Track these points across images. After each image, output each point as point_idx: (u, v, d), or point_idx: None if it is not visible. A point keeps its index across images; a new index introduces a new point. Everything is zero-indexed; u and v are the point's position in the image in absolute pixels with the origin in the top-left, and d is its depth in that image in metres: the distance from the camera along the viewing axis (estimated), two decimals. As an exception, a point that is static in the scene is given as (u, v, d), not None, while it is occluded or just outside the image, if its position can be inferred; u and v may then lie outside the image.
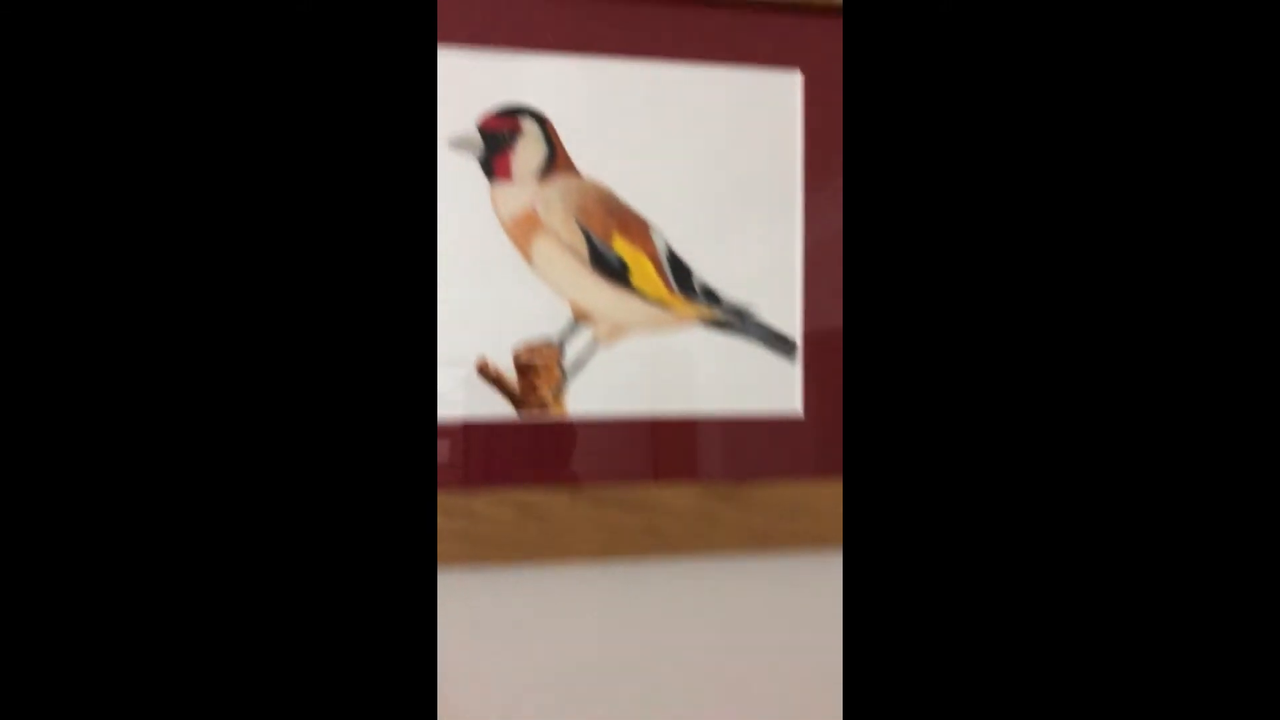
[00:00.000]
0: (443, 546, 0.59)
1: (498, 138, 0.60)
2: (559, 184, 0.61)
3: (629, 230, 0.62)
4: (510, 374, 0.61)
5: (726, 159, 0.63)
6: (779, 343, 0.63)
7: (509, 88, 0.60)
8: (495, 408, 0.60)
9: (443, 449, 0.59)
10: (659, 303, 0.62)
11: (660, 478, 0.62)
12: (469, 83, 0.60)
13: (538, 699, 0.60)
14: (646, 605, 0.62)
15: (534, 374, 0.61)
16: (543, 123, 0.61)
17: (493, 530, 0.59)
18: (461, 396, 0.60)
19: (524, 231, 0.61)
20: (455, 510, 0.59)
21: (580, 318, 0.61)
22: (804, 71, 0.63)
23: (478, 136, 0.60)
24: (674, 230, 0.62)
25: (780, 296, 0.63)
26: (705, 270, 0.62)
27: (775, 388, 0.63)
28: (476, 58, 0.60)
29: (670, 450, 0.62)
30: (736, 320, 0.63)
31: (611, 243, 0.61)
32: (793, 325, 0.63)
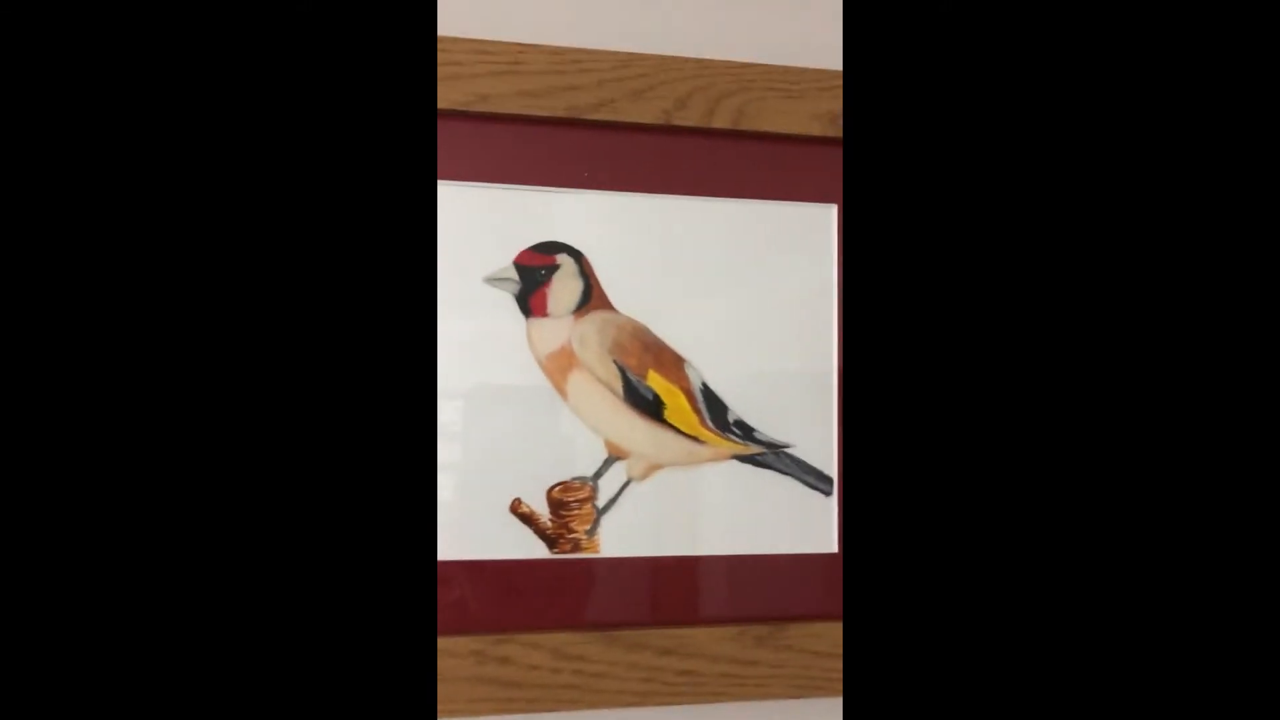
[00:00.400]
0: (475, 692, 0.57)
1: (534, 274, 0.59)
2: (595, 320, 0.60)
3: (664, 365, 0.61)
4: (543, 512, 0.59)
5: (762, 293, 0.62)
6: (815, 478, 0.62)
7: (545, 224, 0.59)
8: (528, 548, 0.59)
9: (474, 591, 0.58)
10: (693, 438, 0.61)
11: (696, 618, 0.60)
12: (506, 219, 0.59)
13: None
14: (684, 753, 0.60)
15: (567, 512, 0.60)
16: (579, 258, 0.60)
17: (527, 676, 0.57)
18: (494, 536, 0.58)
19: (559, 368, 0.60)
20: (489, 656, 0.57)
21: (615, 454, 0.60)
22: (840, 205, 0.63)
23: (514, 272, 0.59)
24: (709, 365, 0.61)
25: (816, 431, 0.62)
26: (740, 405, 0.62)
27: (811, 524, 0.62)
28: (513, 194, 0.59)
29: (705, 590, 0.61)
30: (772, 455, 0.62)
31: (646, 378, 0.61)
32: (829, 460, 0.62)
